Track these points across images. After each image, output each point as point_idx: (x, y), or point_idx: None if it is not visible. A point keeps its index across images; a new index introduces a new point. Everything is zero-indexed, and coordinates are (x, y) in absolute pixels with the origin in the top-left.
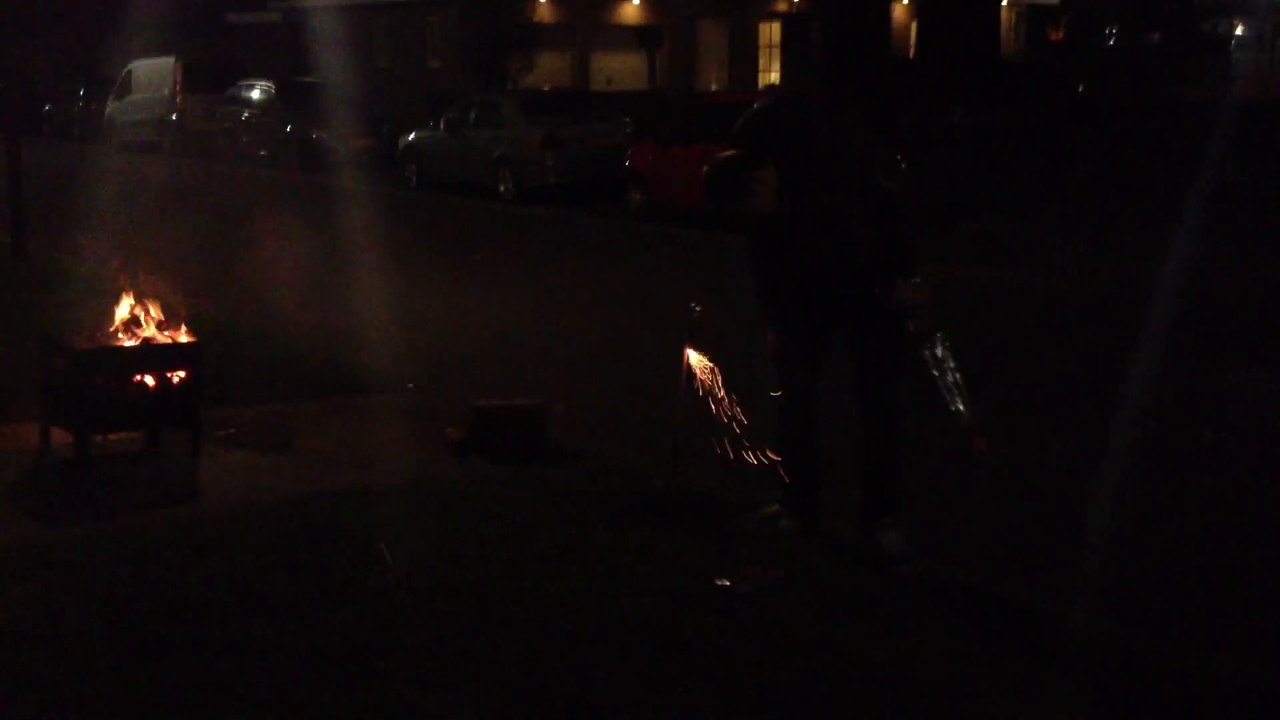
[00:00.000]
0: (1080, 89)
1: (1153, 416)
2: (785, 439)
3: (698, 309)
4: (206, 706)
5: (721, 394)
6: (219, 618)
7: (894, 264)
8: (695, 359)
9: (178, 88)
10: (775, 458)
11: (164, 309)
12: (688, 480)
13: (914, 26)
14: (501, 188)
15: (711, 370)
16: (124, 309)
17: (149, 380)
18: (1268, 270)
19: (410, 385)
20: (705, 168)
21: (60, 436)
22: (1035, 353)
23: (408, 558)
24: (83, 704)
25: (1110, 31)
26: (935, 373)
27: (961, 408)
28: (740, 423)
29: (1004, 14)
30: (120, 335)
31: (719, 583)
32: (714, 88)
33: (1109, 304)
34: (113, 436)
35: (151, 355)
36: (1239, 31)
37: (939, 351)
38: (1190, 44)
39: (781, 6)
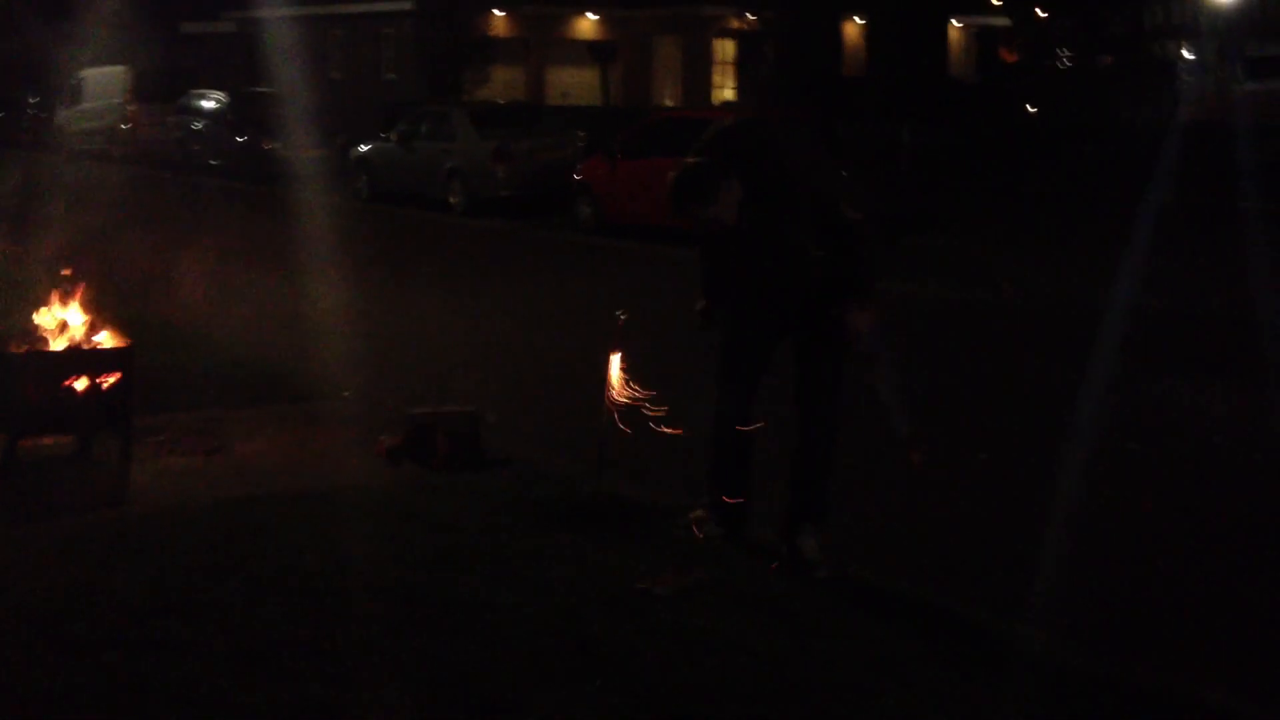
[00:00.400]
0: (1030, 109)
1: (1083, 427)
2: (718, 446)
3: (622, 317)
4: (121, 703)
5: (642, 400)
6: (139, 617)
7: (850, 287)
8: (618, 367)
9: (129, 96)
10: (708, 466)
11: (98, 313)
12: (614, 487)
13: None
14: (452, 200)
15: (630, 378)
16: (56, 313)
17: (80, 384)
18: (1200, 286)
19: (346, 393)
20: (672, 173)
21: None
22: (972, 366)
23: (332, 561)
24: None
25: (1062, 53)
26: (878, 389)
27: (901, 423)
28: (659, 427)
29: (956, 35)
30: (52, 339)
31: (639, 586)
32: (668, 103)
33: (1047, 319)
34: (43, 441)
35: (82, 359)
36: (1186, 55)
37: (881, 369)
38: (1140, 67)
39: (736, 25)
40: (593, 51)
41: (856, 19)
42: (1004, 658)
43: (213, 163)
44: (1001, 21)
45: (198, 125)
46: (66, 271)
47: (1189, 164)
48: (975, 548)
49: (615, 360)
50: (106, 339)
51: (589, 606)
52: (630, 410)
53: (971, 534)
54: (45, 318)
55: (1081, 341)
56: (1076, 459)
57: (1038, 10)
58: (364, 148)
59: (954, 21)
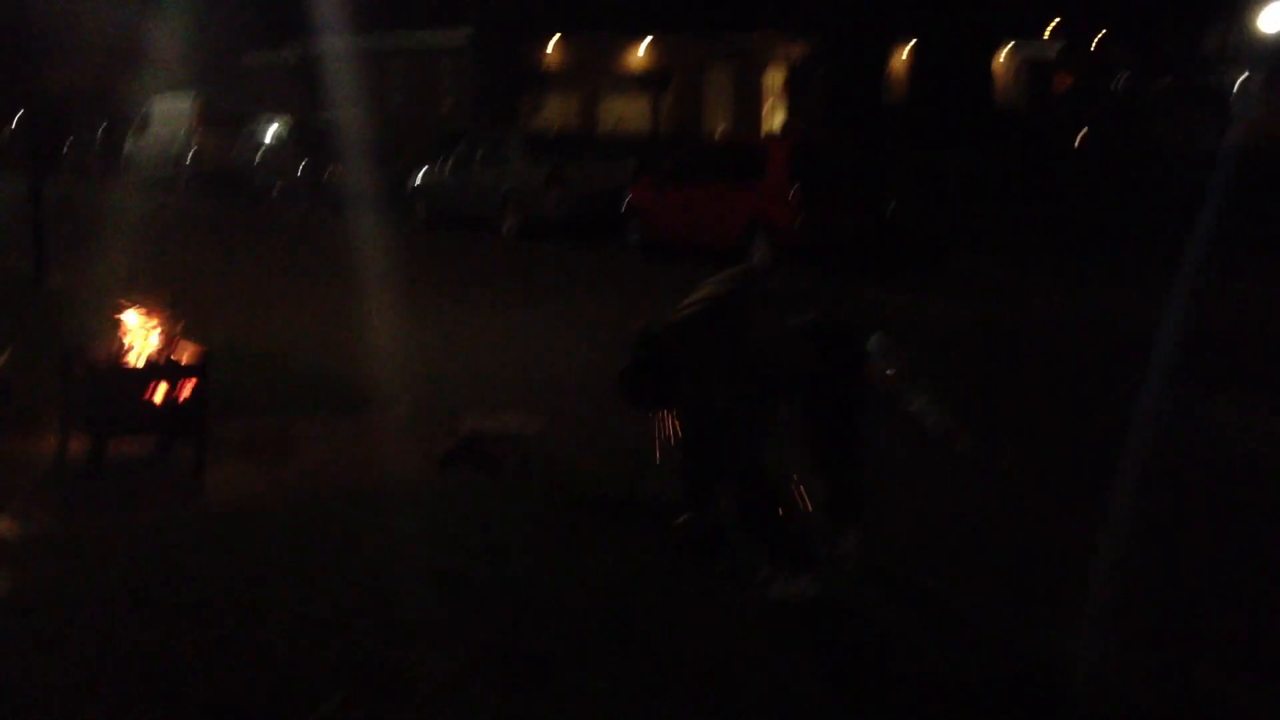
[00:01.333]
0: (1081, 136)
1: (1119, 441)
2: (762, 504)
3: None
4: (203, 660)
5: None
6: (217, 590)
7: (851, 355)
8: None
9: (195, 125)
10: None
11: (175, 328)
12: (649, 490)
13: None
14: (506, 224)
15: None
16: (139, 326)
17: (161, 390)
18: (1237, 308)
19: (404, 404)
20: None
21: (78, 445)
22: (1005, 381)
23: (389, 548)
24: (95, 659)
25: (1118, 78)
26: (909, 403)
27: (936, 415)
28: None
29: (1006, 64)
30: (135, 349)
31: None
32: (720, 131)
33: (1082, 337)
34: (126, 445)
35: (163, 368)
36: (1240, 81)
37: (911, 386)
38: (1193, 92)
39: (785, 52)
40: (645, 80)
41: (907, 47)
42: (1022, 653)
43: (276, 188)
44: (1049, 52)
45: (261, 153)
46: (146, 291)
47: (1237, 190)
48: (1006, 549)
49: None
50: (184, 350)
51: (619, 587)
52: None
53: (1003, 536)
54: (127, 331)
55: (1116, 359)
56: (1112, 471)
57: (1093, 35)
58: (421, 174)
59: (1003, 52)
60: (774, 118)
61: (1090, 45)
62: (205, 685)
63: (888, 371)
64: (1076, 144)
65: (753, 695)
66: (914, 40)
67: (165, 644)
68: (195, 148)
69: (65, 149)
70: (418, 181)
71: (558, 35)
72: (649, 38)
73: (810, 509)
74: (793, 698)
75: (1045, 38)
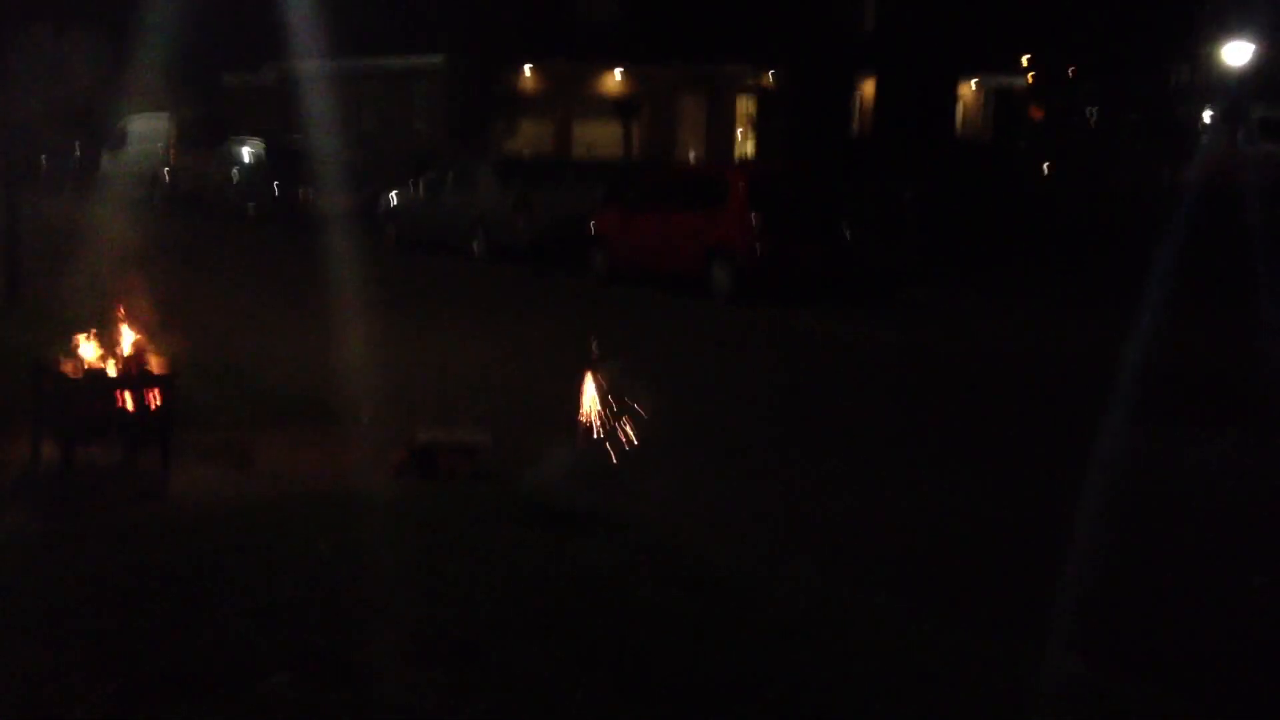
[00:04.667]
0: (1046, 167)
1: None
2: None
3: (595, 345)
4: (165, 639)
5: (609, 412)
6: (179, 583)
7: None
8: (592, 387)
9: (171, 143)
10: None
11: (144, 342)
12: (586, 496)
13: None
14: (475, 247)
15: (605, 395)
16: (109, 337)
17: (128, 400)
18: (1190, 339)
19: (365, 418)
20: None
21: (49, 451)
22: (942, 409)
23: (340, 547)
24: (58, 640)
25: (1090, 112)
26: None
27: None
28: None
29: (972, 94)
30: (104, 361)
31: None
32: (692, 157)
33: (1025, 368)
34: (94, 450)
35: (130, 379)
36: (1206, 117)
37: None
38: (1160, 127)
39: (756, 82)
40: (617, 107)
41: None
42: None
43: (250, 208)
44: (1019, 82)
45: (236, 173)
46: (118, 305)
47: (1197, 224)
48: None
49: (589, 381)
50: (152, 363)
51: (545, 582)
52: (605, 426)
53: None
54: (97, 343)
55: (1061, 389)
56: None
57: (1063, 69)
58: (393, 197)
59: (971, 82)
60: (745, 145)
61: (1060, 79)
62: (161, 662)
63: None
64: (1043, 175)
65: (663, 672)
66: (876, 72)
67: (126, 626)
68: (170, 166)
69: (42, 166)
70: (390, 204)
71: (530, 60)
72: (621, 65)
73: None
74: (701, 675)
75: (1015, 72)
